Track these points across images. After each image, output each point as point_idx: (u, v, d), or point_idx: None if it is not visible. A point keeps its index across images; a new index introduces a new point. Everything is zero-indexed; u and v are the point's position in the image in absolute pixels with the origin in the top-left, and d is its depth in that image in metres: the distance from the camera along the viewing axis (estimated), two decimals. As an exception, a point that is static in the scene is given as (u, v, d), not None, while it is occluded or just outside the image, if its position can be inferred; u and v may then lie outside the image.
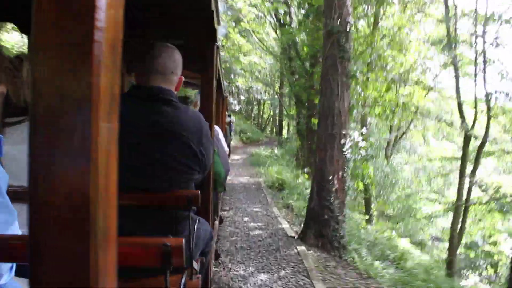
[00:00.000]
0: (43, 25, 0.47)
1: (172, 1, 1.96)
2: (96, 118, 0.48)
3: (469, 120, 14.48)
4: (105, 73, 0.49)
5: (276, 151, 23.28)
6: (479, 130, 14.56)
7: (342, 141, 5.87)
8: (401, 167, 21.26)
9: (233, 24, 29.34)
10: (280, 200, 9.01)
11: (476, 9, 13.72)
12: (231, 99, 30.50)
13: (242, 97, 34.29)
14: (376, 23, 13.66)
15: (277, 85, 33.75)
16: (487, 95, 12.85)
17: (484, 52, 13.24)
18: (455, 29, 14.41)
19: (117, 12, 0.53)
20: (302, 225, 6.29)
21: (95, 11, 0.47)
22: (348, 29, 6.18)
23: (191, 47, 2.12)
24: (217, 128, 3.82)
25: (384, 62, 13.02)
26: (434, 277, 6.96)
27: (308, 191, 8.05)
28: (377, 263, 5.81)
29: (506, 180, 18.36)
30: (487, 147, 14.29)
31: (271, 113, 49.91)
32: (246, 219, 7.08)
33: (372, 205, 16.48)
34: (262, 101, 42.68)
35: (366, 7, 12.41)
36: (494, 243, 13.37)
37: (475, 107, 13.61)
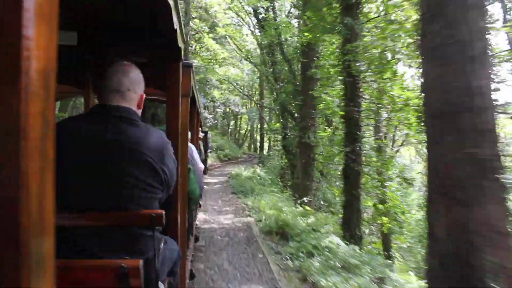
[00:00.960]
0: None
1: (135, 19, 1.96)
2: (25, 145, 0.47)
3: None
4: (35, 100, 0.49)
5: (258, 170, 19.98)
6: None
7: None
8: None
9: (207, 29, 26.04)
10: (289, 263, 5.14)
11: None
12: (206, 113, 27.26)
13: (219, 110, 30.95)
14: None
15: (255, 98, 30.56)
16: None
17: None
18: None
19: (49, 40, 0.52)
20: None
21: (22, 41, 0.47)
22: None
23: (155, 66, 2.11)
24: (191, 145, 3.68)
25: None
26: None
27: (329, 240, 5.85)
28: None
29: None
30: None
31: (249, 128, 46.82)
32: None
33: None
34: (239, 115, 39.58)
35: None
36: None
37: None
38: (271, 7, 17.52)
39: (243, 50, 24.35)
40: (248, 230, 7.03)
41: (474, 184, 2.64)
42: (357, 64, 8.34)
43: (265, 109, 27.88)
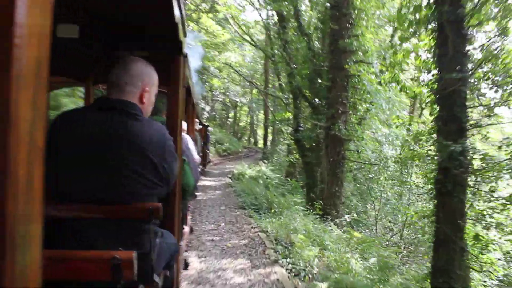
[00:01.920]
0: None
1: (136, 13, 1.95)
2: (15, 133, 0.47)
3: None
4: (26, 88, 0.49)
5: (264, 168, 16.84)
6: None
7: None
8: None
9: (206, 7, 22.51)
10: None
11: None
12: (203, 104, 24.22)
13: (218, 100, 27.72)
14: None
15: (259, 85, 27.24)
16: None
17: None
18: None
19: (42, 28, 0.52)
20: None
21: (14, 28, 0.46)
22: None
23: (157, 59, 2.04)
24: (186, 136, 3.61)
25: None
26: None
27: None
28: None
29: None
30: None
31: (249, 120, 43.43)
32: None
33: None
34: (238, 106, 36.30)
35: None
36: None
37: None
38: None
39: (247, 32, 21.12)
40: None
41: None
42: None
43: (270, 98, 24.73)
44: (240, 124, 43.22)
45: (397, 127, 10.70)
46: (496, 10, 5.61)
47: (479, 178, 5.36)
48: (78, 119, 1.56)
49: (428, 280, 5.12)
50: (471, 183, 5.27)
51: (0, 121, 0.46)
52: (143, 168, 1.53)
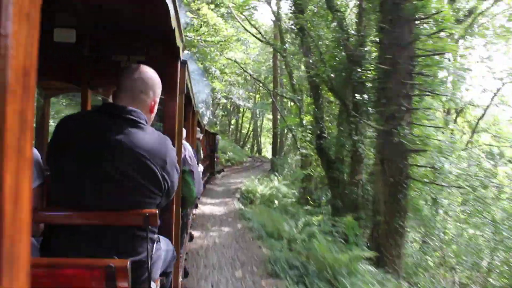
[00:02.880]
0: None
1: (133, 18, 1.95)
2: (1, 145, 0.47)
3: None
4: (13, 100, 0.48)
5: (277, 183, 13.73)
6: None
7: None
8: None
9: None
10: None
11: None
12: (203, 108, 21.36)
13: (220, 103, 24.63)
14: None
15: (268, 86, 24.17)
16: None
17: None
18: None
19: (29, 37, 0.51)
20: None
21: None
22: None
23: (153, 65, 1.98)
24: (187, 145, 3.59)
25: None
26: None
27: None
28: None
29: None
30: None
31: (251, 127, 40.32)
32: None
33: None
34: (241, 112, 33.21)
35: None
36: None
37: None
38: None
39: (253, 25, 18.11)
40: None
41: None
42: None
43: (279, 102, 21.67)
44: (242, 131, 40.09)
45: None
46: None
47: None
48: (80, 125, 1.55)
49: None
50: None
51: None
52: (143, 178, 1.51)
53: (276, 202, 11.53)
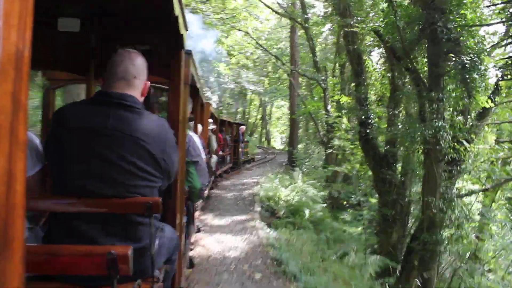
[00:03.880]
0: None
1: (137, 6, 1.95)
2: None
3: None
4: (5, 81, 0.48)
5: (299, 181, 10.64)
6: None
7: None
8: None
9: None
10: None
11: None
12: (208, 92, 18.62)
13: (228, 88, 21.53)
14: None
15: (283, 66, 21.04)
16: None
17: None
18: None
19: (22, 19, 0.50)
20: None
21: None
22: None
23: (158, 53, 2.10)
24: (193, 136, 3.55)
25: None
26: None
27: None
28: None
29: None
30: None
31: (259, 115, 37.12)
32: None
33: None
34: (249, 97, 30.05)
35: None
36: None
37: None
38: None
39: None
40: None
41: None
42: None
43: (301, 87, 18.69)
44: (249, 120, 37.01)
45: None
46: None
47: None
48: (78, 114, 1.55)
49: None
50: None
51: None
52: (143, 162, 1.53)
53: (307, 212, 8.56)
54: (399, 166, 8.69)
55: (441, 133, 6.02)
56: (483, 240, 8.26)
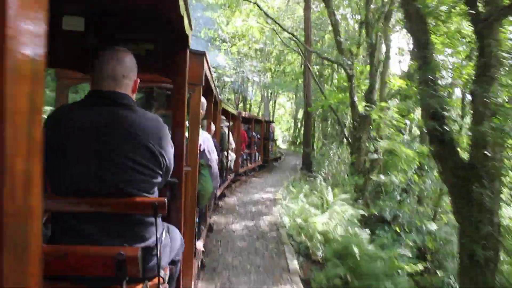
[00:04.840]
0: None
1: (141, 5, 1.93)
2: (11, 128, 0.46)
3: None
4: (22, 83, 0.48)
5: (330, 196, 7.28)
6: None
7: None
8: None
9: None
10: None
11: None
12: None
13: (227, 79, 18.56)
14: None
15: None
16: None
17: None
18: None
19: (35, 22, 0.50)
20: None
21: (6, 19, 0.45)
22: None
23: (162, 53, 2.10)
24: (208, 139, 3.44)
25: None
26: None
27: None
28: None
29: None
30: None
31: (261, 112, 34.29)
32: None
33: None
34: (252, 89, 27.03)
35: None
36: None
37: None
38: None
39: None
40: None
41: None
42: None
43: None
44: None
45: None
46: None
47: None
48: (72, 114, 1.55)
49: None
50: None
51: None
52: (142, 157, 1.53)
53: (356, 251, 5.69)
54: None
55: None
56: None
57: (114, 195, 1.47)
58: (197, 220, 3.48)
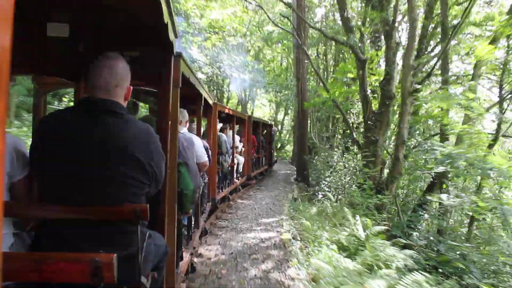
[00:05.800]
0: None
1: (126, 13, 1.93)
2: None
3: None
4: None
5: (360, 228, 4.10)
6: None
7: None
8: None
9: None
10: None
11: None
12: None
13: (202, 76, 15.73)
14: None
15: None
16: None
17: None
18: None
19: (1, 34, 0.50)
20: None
21: None
22: None
23: (147, 59, 2.11)
24: (194, 138, 3.62)
25: None
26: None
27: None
28: None
29: None
30: None
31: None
32: None
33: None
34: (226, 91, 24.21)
35: None
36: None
37: None
38: None
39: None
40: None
41: None
42: None
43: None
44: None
45: None
46: None
47: None
48: (62, 123, 1.53)
49: None
50: None
51: None
52: (130, 170, 1.51)
53: None
54: None
55: None
56: None
57: (101, 205, 1.45)
58: (185, 222, 3.71)
